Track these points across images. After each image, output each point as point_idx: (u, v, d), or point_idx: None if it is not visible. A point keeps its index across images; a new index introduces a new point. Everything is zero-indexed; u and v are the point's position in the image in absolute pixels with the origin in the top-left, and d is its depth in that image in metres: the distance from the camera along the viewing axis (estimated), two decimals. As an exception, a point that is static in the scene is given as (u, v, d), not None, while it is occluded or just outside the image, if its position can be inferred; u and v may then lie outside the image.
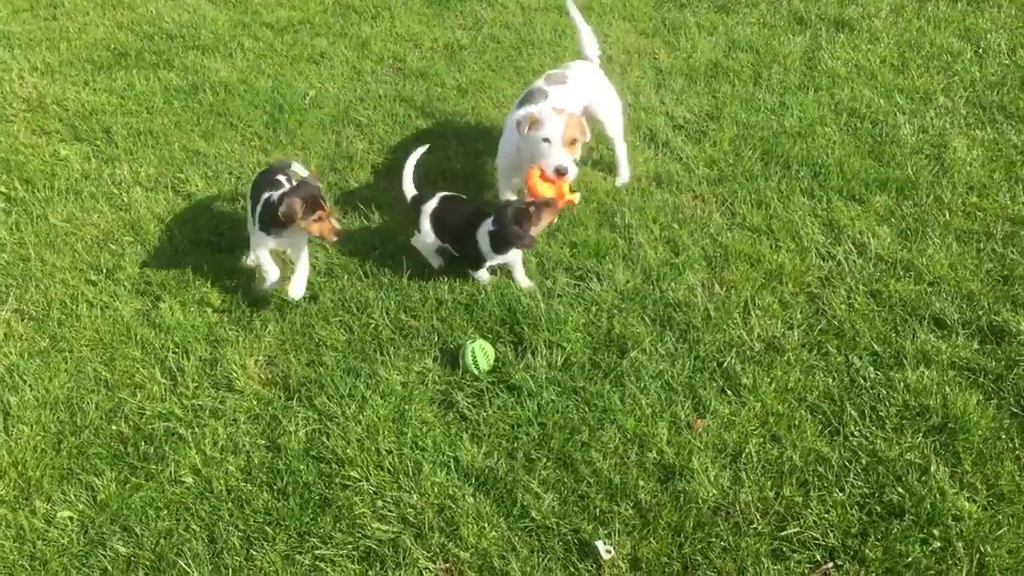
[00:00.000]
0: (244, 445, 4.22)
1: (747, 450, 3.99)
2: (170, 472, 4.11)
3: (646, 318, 4.72)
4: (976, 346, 4.45)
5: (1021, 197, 5.36)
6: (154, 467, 4.15)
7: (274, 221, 4.65)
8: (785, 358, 4.44)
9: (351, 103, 6.71)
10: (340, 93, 6.85)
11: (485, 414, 4.27)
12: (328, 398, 4.39)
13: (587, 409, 4.26)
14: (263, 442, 4.24)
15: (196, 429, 4.32)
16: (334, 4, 8.10)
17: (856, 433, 4.05)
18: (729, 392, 4.30)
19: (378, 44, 7.45)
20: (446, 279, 5.01)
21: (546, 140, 4.77)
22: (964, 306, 4.66)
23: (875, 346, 4.47)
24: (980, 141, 5.87)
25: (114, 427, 4.36)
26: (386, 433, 4.21)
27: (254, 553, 3.75)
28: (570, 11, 5.83)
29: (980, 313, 4.59)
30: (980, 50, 6.89)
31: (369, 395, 4.39)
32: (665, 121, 6.31)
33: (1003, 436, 3.98)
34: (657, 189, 5.66)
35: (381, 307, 4.89)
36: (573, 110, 5.05)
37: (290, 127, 6.45)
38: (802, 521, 3.71)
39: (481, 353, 4.46)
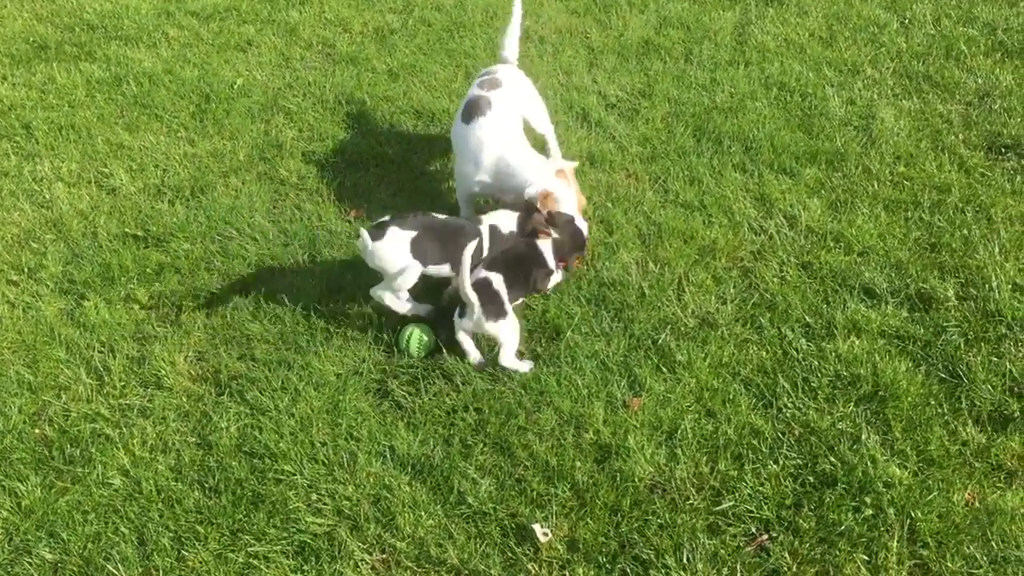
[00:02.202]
0: (174, 444, 4.13)
1: (682, 426, 4.00)
2: (97, 474, 4.00)
3: (581, 298, 4.71)
4: (905, 314, 4.50)
5: (947, 165, 5.44)
6: (80, 470, 4.04)
7: None
8: (719, 333, 4.46)
9: (280, 91, 6.58)
10: (269, 81, 6.72)
11: (420, 401, 4.23)
12: (260, 392, 4.31)
13: (523, 393, 4.23)
14: (193, 439, 4.15)
15: (124, 429, 4.21)
16: (261, -11, 7.92)
17: (789, 405, 4.08)
18: (664, 369, 4.30)
19: (307, 30, 7.31)
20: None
21: None
22: (893, 275, 4.71)
23: (807, 318, 4.50)
24: (907, 111, 5.94)
25: (38, 431, 4.24)
26: (320, 425, 4.14)
27: (185, 553, 3.67)
28: (515, 8, 5.56)
29: (909, 282, 4.65)
30: (906, 21, 6.97)
31: (302, 387, 4.31)
32: (598, 100, 6.29)
33: (932, 402, 4.03)
34: (591, 168, 5.63)
35: (315, 295, 4.81)
36: (563, 166, 4.90)
37: (217, 117, 6.31)
38: (737, 495, 3.72)
39: (416, 341, 4.42)
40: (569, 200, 4.74)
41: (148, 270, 5.04)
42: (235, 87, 6.60)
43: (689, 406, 4.12)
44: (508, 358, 4.33)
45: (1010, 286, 4.55)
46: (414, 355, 4.42)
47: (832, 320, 4.48)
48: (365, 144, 5.95)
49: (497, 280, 4.42)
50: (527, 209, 4.75)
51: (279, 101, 6.45)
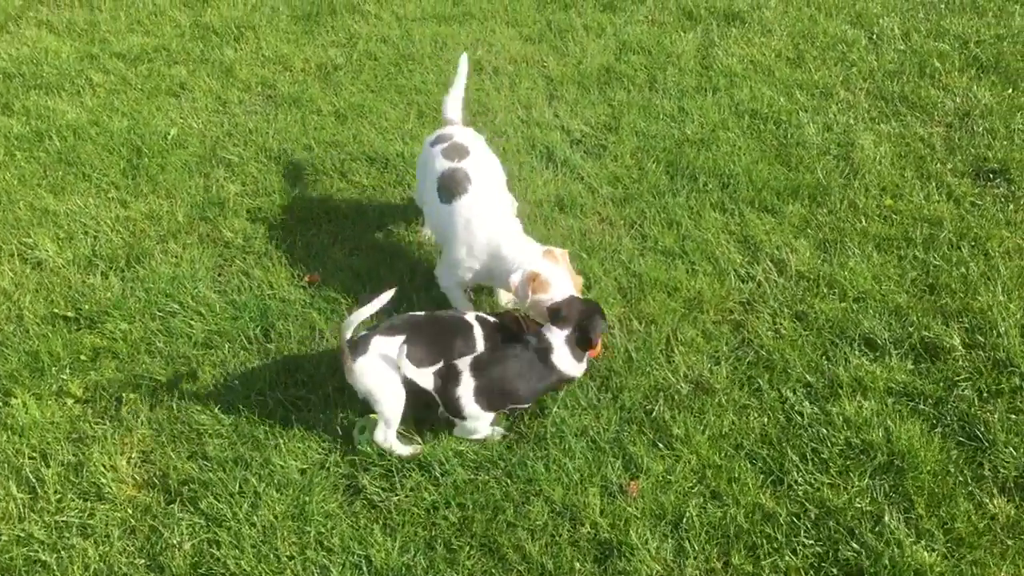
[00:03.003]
0: (119, 568, 3.65)
1: (688, 513, 3.64)
2: (33, 613, 3.52)
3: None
4: (911, 366, 4.21)
5: (935, 195, 5.17)
6: (13, 608, 3.54)
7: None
8: (716, 400, 4.11)
9: (219, 140, 6.07)
10: (206, 129, 6.21)
11: (396, 499, 3.81)
12: (215, 498, 3.85)
13: (509, 482, 3.83)
14: (142, 561, 3.67)
15: (62, 553, 3.71)
16: (192, 26, 7.38)
17: (800, 480, 3.74)
18: (661, 445, 3.94)
19: (244, 69, 6.81)
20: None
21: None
22: (893, 322, 4.42)
23: (807, 376, 4.18)
24: (887, 136, 5.67)
25: (-39, 562, 3.73)
26: (286, 534, 3.70)
27: None
28: (460, 67, 5.08)
29: (911, 329, 4.36)
30: (874, 36, 6.72)
31: (263, 489, 3.87)
32: (561, 136, 5.91)
33: (952, 469, 3.73)
34: (560, 214, 5.26)
35: (270, 379, 4.35)
36: (558, 251, 4.35)
37: (151, 173, 5.79)
38: (756, 595, 3.38)
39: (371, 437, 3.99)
40: (561, 281, 4.20)
41: (82, 357, 4.53)
42: (169, 138, 6.09)
43: (692, 487, 3.77)
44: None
45: (1018, 330, 4.27)
46: (373, 452, 3.99)
47: (835, 378, 4.17)
48: (315, 197, 5.50)
49: None
50: (504, 323, 4.32)
51: (218, 151, 5.95)
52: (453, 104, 5.00)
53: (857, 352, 4.29)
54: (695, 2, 7.29)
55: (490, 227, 4.37)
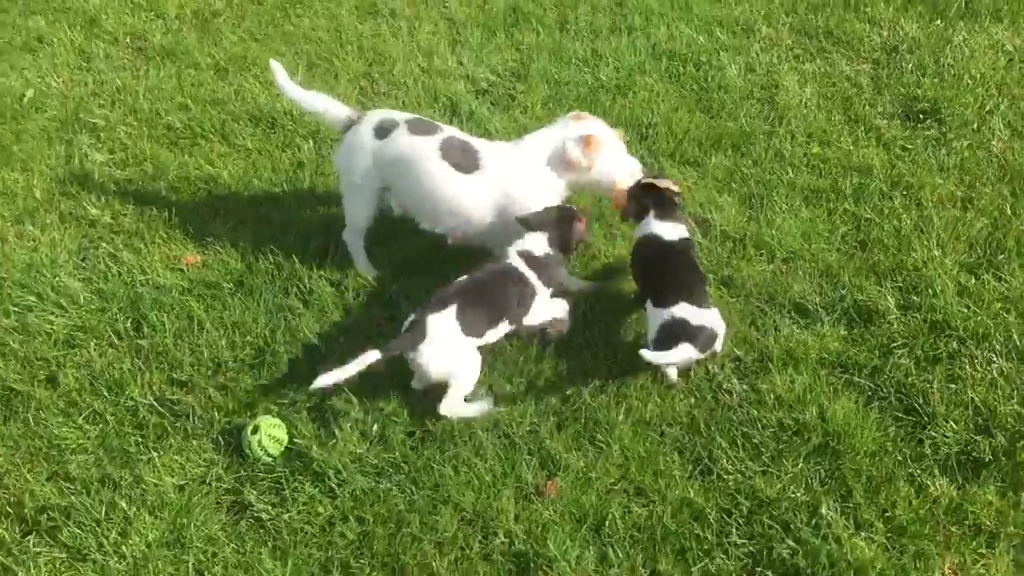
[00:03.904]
0: (-33, 618, 3.18)
1: (610, 515, 3.31)
2: None
3: (473, 349, 3.91)
4: (844, 332, 3.92)
5: (863, 141, 4.85)
6: None
7: None
8: (639, 381, 3.75)
9: (82, 101, 5.41)
10: (67, 89, 5.53)
11: (288, 516, 3.39)
12: (79, 526, 3.38)
13: (414, 489, 3.44)
14: (-7, 609, 3.21)
15: None
16: (52, -31, 6.60)
17: (730, 469, 3.44)
18: (582, 437, 3.58)
19: (111, 18, 6.09)
20: (224, 330, 4.03)
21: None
22: (824, 285, 4.11)
23: (735, 350, 3.86)
24: (812, 76, 5.31)
25: None
26: (160, 566, 3.27)
27: None
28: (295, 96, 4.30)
29: (843, 292, 4.06)
30: (796, -35, 6.30)
31: (134, 513, 3.41)
32: (466, 86, 5.41)
33: (890, 448, 3.47)
34: (466, 175, 4.77)
35: (142, 381, 3.86)
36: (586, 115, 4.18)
37: (3, 142, 5.12)
38: (686, 607, 3.07)
39: (269, 439, 3.55)
40: (612, 138, 4.10)
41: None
42: (25, 100, 5.40)
43: (615, 484, 3.43)
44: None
45: (955, 287, 4.01)
46: (262, 459, 3.56)
47: (765, 350, 3.85)
48: (193, 164, 4.93)
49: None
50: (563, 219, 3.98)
51: (82, 115, 5.29)
52: (334, 108, 4.26)
53: (788, 320, 3.98)
54: (607, -69, 6.75)
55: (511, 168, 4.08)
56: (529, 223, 3.93)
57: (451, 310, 3.63)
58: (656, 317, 3.66)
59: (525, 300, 3.83)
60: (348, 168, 4.17)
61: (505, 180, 4.03)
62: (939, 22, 5.61)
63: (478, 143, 4.15)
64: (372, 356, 3.47)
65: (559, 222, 3.96)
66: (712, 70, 5.38)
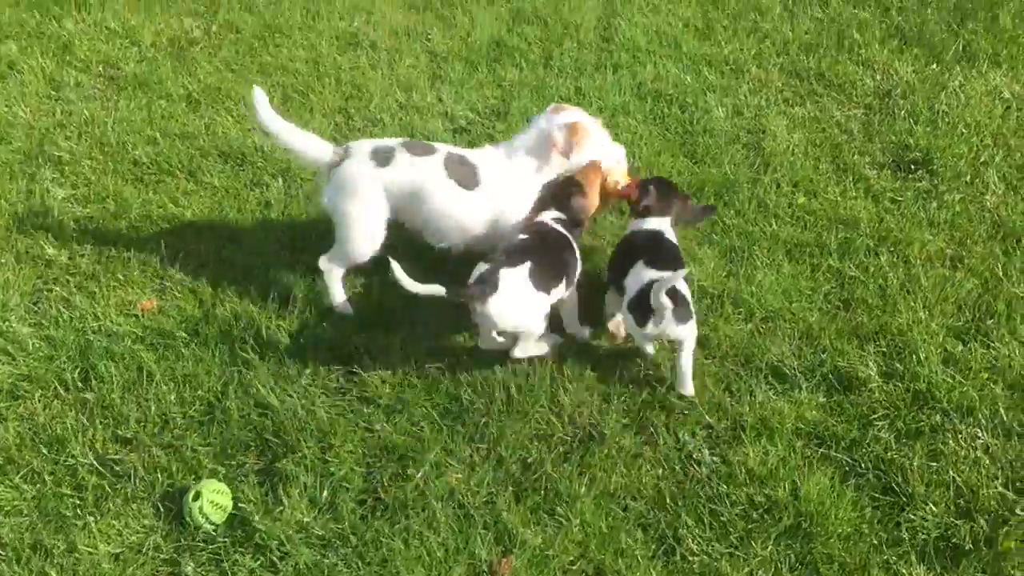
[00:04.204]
0: None
1: (567, 601, 3.12)
2: None
3: (435, 411, 3.74)
4: (822, 400, 3.73)
5: (851, 191, 4.67)
6: None
7: None
8: (605, 450, 3.57)
9: (49, 132, 5.25)
10: (34, 119, 5.38)
11: (226, 592, 3.21)
12: (4, 601, 3.20)
13: (360, 564, 3.26)
14: None
15: None
16: (28, -9, 6.47)
17: (696, 550, 3.25)
18: (541, 510, 3.39)
19: (85, 45, 5.94)
20: (175, 383, 3.85)
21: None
22: (804, 347, 3.93)
23: (707, 417, 3.67)
24: (801, 121, 5.14)
25: None
26: (89, 644, 3.08)
27: None
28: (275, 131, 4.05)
29: (823, 356, 3.87)
30: (790, 2, 6.15)
31: (65, 584, 3.23)
32: (444, 124, 5.25)
33: (866, 531, 3.28)
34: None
35: (84, 438, 3.69)
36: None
37: (-36, 175, 4.97)
38: None
39: (212, 505, 3.37)
40: (596, 126, 4.21)
41: None
42: (-11, 133, 5.26)
43: (573, 563, 3.25)
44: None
45: (940, 354, 3.82)
46: (203, 527, 3.38)
47: (739, 418, 3.66)
48: (156, 202, 4.77)
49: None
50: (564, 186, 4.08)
51: (46, 147, 5.13)
52: (318, 147, 4.06)
53: (764, 385, 3.79)
54: (598, -38, 6.60)
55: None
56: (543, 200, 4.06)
57: (525, 266, 3.67)
58: (633, 284, 3.68)
59: (575, 267, 3.94)
60: (348, 203, 3.99)
61: (502, 191, 4.07)
62: (935, 66, 5.44)
63: (472, 155, 4.12)
64: (438, 290, 3.55)
65: (561, 196, 4.05)
66: (698, 112, 5.21)
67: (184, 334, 4.09)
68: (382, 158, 3.97)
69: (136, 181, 4.92)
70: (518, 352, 3.79)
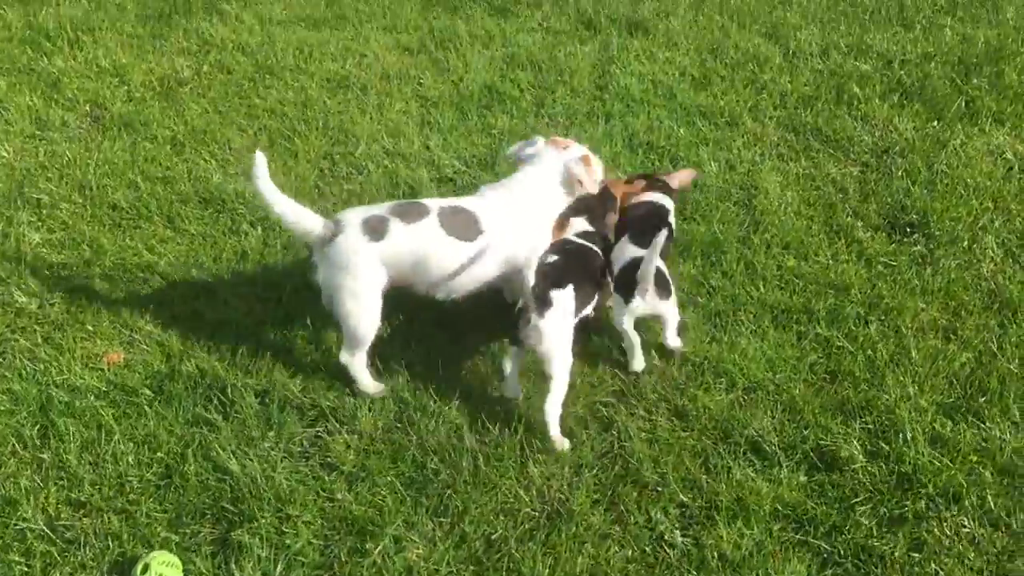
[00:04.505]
0: None
1: None
2: None
3: (399, 480, 3.61)
4: (803, 479, 3.56)
5: (843, 255, 4.52)
6: None
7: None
8: (572, 528, 3.42)
9: (30, 173, 5.19)
10: (16, 159, 5.31)
11: (168, 674, 3.07)
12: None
13: (311, 656, 3.12)
14: None
15: None
16: (23, 27, 6.43)
17: (661, 648, 3.08)
18: (500, 596, 3.25)
19: (73, 83, 5.90)
20: (135, 444, 3.74)
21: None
22: (786, 422, 3.76)
23: (682, 495, 3.51)
24: (795, 178, 5.00)
25: None
26: None
27: None
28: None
29: (806, 432, 3.71)
30: (790, 53, 6.02)
31: (3, 663, 3.11)
32: (430, 173, 5.14)
33: (844, 634, 3.09)
34: (417, 275, 4.50)
35: (36, 501, 3.57)
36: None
37: (-62, 222, 4.91)
38: None
39: (160, 584, 3.24)
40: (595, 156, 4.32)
41: None
42: (-29, 170, 5.21)
43: (532, 663, 3.09)
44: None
45: (927, 435, 3.65)
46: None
47: (714, 497, 3.50)
48: (132, 249, 4.68)
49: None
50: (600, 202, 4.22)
51: (26, 189, 5.07)
52: (302, 211, 3.86)
53: (743, 461, 3.63)
54: (595, 8, 6.52)
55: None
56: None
57: (570, 289, 3.75)
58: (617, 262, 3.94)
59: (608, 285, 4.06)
60: (345, 280, 3.84)
61: (509, 232, 4.02)
62: (936, 123, 5.30)
63: (469, 203, 4.03)
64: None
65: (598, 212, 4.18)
66: (689, 166, 5.08)
67: (148, 391, 3.98)
68: (375, 231, 3.83)
69: (114, 226, 4.84)
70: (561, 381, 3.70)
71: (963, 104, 5.40)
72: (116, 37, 6.36)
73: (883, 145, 5.18)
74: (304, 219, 3.84)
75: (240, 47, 6.26)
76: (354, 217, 3.88)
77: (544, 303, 3.63)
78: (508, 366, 3.85)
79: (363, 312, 3.88)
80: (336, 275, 3.84)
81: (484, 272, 4.04)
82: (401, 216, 3.88)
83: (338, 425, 3.81)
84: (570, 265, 3.88)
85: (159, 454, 3.74)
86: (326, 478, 3.63)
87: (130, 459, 3.71)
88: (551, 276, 3.74)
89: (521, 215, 4.05)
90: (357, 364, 3.96)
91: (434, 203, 4.00)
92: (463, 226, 3.94)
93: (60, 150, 5.36)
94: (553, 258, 3.90)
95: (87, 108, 5.70)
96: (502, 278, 4.11)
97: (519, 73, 5.91)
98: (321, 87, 5.85)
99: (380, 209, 3.94)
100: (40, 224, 4.87)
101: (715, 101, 5.58)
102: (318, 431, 3.80)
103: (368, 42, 6.27)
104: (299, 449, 3.76)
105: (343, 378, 4.00)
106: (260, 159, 3.81)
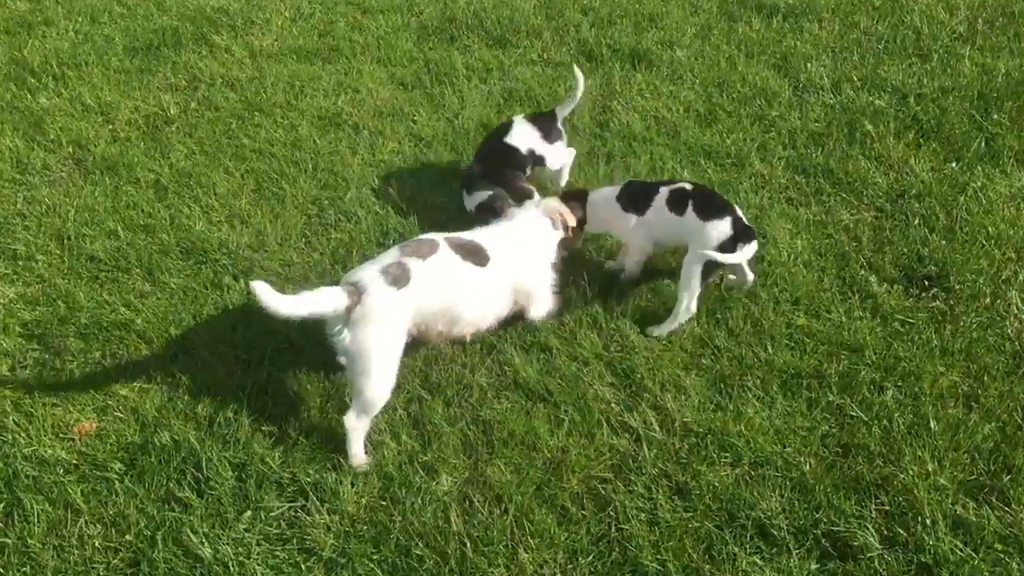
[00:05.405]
0: None
1: None
2: None
3: (381, 568, 3.38)
4: (814, 566, 3.31)
5: (857, 311, 4.26)
6: None
7: None
8: (559, 612, 3.19)
9: (6, 222, 4.99)
10: (-7, 207, 5.12)
11: None
12: None
13: None
14: None
15: None
16: (8, 63, 6.24)
17: None
18: None
19: (57, 123, 5.70)
20: (103, 526, 3.53)
21: None
22: (796, 502, 3.51)
23: (683, 588, 3.27)
24: (805, 224, 4.73)
25: None
26: None
27: None
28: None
29: (817, 514, 3.45)
30: (800, 86, 5.75)
31: None
32: (421, 215, 4.90)
33: None
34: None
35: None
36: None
37: (-91, 274, 4.71)
38: None
39: None
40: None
41: None
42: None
43: None
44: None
45: (948, 519, 3.39)
46: None
47: (718, 590, 3.25)
48: (109, 304, 4.47)
49: None
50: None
51: (3, 238, 4.87)
52: (313, 297, 3.66)
53: (748, 547, 3.38)
54: (597, 38, 6.27)
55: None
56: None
57: None
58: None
59: None
60: (380, 337, 3.70)
61: (514, 256, 4.19)
62: (955, 164, 5.02)
63: (479, 240, 4.12)
64: None
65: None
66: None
67: (120, 465, 3.77)
68: (399, 279, 3.75)
69: (91, 279, 4.63)
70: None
71: (983, 143, 5.12)
72: (103, 72, 6.15)
73: (898, 188, 4.91)
74: (326, 300, 3.64)
75: (229, 82, 6.04)
76: (370, 273, 3.75)
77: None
78: None
79: (386, 371, 3.74)
80: (370, 335, 3.68)
81: (499, 308, 4.17)
82: (415, 254, 3.84)
83: (319, 503, 3.58)
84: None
85: (128, 537, 3.53)
86: (303, 565, 3.41)
87: (97, 543, 3.51)
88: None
89: (523, 259, 4.20)
90: (361, 430, 3.77)
91: (436, 236, 4.01)
92: (473, 252, 4.02)
93: (40, 195, 5.16)
94: None
95: (70, 150, 5.48)
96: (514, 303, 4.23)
97: (517, 109, 5.67)
98: (312, 125, 5.62)
99: (390, 256, 3.84)
100: (15, 277, 4.67)
101: (721, 140, 5.32)
102: (296, 511, 3.57)
103: (361, 76, 6.04)
104: (276, 531, 3.54)
105: (324, 448, 3.78)
106: (258, 288, 3.49)
